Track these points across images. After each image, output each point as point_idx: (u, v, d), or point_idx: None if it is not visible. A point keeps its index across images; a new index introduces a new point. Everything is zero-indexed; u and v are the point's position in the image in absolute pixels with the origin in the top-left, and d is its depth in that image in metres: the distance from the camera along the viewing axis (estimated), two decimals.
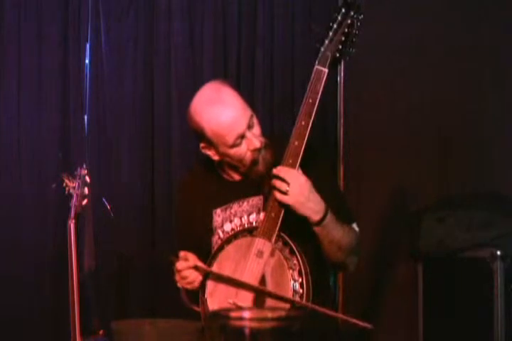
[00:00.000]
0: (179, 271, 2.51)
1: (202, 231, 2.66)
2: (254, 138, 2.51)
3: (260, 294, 2.43)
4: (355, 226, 2.61)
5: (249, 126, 2.51)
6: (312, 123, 2.45)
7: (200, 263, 2.51)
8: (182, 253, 2.53)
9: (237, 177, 2.65)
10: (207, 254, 2.58)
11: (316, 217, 2.43)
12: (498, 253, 3.48)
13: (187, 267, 2.50)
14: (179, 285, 2.57)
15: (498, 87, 4.00)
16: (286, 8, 4.09)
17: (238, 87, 4.03)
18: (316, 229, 2.45)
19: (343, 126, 4.03)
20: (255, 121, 2.54)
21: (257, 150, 2.52)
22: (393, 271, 3.93)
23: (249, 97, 4.03)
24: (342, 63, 3.81)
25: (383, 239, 3.97)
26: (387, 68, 4.00)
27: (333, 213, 2.47)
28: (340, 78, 4.00)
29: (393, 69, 4.01)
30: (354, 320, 2.39)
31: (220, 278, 2.50)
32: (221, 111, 2.50)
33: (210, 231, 2.66)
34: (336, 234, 2.47)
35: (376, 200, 3.95)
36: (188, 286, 2.53)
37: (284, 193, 2.41)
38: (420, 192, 3.94)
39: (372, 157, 3.99)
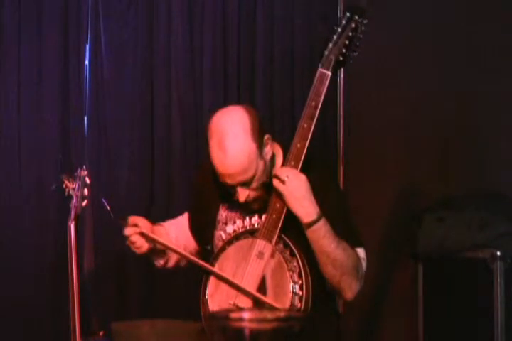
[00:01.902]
0: (126, 237, 2.60)
1: (207, 217, 2.70)
2: (242, 193, 2.51)
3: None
4: (360, 251, 2.55)
5: (244, 184, 2.50)
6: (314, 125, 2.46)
7: (147, 230, 2.58)
8: (131, 219, 2.61)
9: None
10: (209, 245, 2.67)
11: (306, 218, 2.43)
12: (498, 253, 3.48)
13: (134, 233, 2.58)
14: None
15: (497, 87, 4.00)
16: (286, 8, 4.08)
17: (238, 87, 4.05)
18: (307, 232, 2.45)
19: (343, 127, 4.03)
20: (257, 178, 2.50)
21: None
22: (393, 272, 3.93)
23: (249, 97, 4.06)
24: None
25: (383, 240, 3.97)
26: (387, 68, 4.00)
27: (333, 228, 2.45)
28: (340, 79, 4.00)
29: (393, 70, 4.01)
30: None
31: (208, 272, 2.53)
32: (221, 161, 2.48)
33: (214, 222, 2.68)
34: (328, 245, 2.44)
35: (376, 201, 3.94)
36: (136, 251, 2.62)
37: (283, 182, 2.43)
38: (420, 192, 3.95)
39: (373, 157, 3.99)
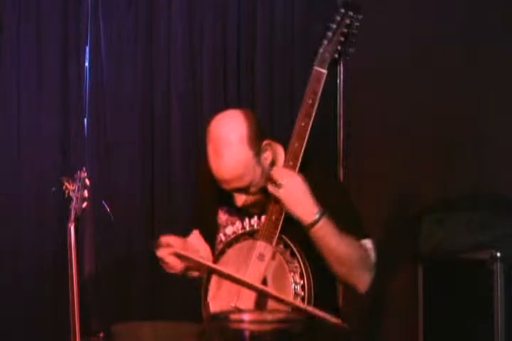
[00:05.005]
0: (160, 258, 2.55)
1: (210, 221, 2.69)
2: (239, 199, 2.52)
3: (262, 297, 2.44)
4: (367, 242, 2.53)
5: (241, 190, 2.50)
6: (312, 125, 2.45)
7: (180, 249, 2.52)
8: (163, 239, 2.55)
9: None
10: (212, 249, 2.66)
11: (306, 220, 2.41)
12: (498, 254, 3.48)
13: (167, 254, 2.53)
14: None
15: (497, 87, 4.00)
16: (286, 8, 4.08)
17: (238, 87, 4.04)
18: (310, 232, 2.43)
19: (343, 128, 4.02)
20: (254, 184, 2.49)
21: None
22: (393, 273, 3.92)
23: (249, 97, 4.05)
24: (342, 64, 3.82)
25: (383, 241, 3.95)
26: (387, 69, 4.00)
27: (336, 224, 2.43)
28: (340, 79, 3.99)
29: (393, 70, 4.01)
30: (328, 317, 2.39)
31: (221, 275, 2.50)
32: (217, 168, 2.48)
33: (217, 226, 2.67)
34: (333, 242, 2.41)
35: (376, 202, 3.94)
36: (171, 271, 2.58)
37: (278, 187, 2.41)
38: (420, 193, 3.94)
39: (373, 158, 3.99)
